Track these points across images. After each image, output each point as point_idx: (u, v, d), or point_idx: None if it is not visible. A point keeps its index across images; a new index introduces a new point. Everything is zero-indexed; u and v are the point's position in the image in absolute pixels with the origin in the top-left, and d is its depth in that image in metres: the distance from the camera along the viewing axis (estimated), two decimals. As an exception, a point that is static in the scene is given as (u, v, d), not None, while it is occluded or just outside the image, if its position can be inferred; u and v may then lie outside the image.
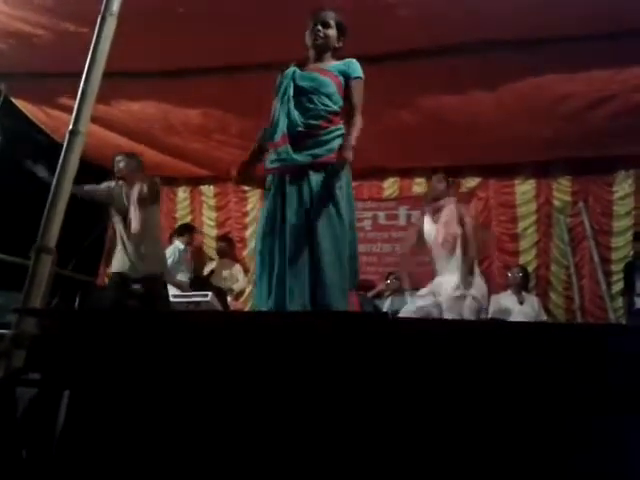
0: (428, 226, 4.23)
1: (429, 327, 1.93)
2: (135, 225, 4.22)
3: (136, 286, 4.31)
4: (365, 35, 3.24)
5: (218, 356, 1.85)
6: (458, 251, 4.06)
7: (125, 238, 4.35)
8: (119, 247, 4.42)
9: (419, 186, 6.55)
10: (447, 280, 4.05)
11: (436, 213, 4.20)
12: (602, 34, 3.77)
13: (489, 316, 5.21)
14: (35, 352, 1.98)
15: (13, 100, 5.20)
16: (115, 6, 2.29)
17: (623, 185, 5.77)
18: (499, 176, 6.20)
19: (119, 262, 4.38)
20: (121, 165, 4.37)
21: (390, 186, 6.68)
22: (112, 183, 4.49)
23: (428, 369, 1.65)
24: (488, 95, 4.53)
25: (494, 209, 6.21)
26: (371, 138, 4.69)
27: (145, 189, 4.29)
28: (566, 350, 1.62)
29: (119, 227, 4.41)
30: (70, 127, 2.20)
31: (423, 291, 4.34)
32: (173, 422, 1.79)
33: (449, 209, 4.15)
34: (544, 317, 5.42)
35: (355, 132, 2.58)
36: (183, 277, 6.10)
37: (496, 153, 5.68)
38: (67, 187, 2.17)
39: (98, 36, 2.26)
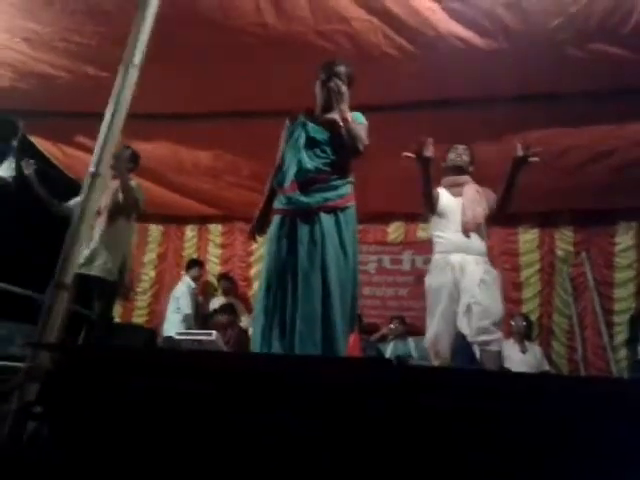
0: (446, 199, 3.62)
1: (433, 374, 1.98)
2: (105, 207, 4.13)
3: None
4: (371, 85, 3.37)
5: (225, 398, 1.90)
6: (483, 233, 3.53)
7: (95, 236, 4.13)
8: (82, 246, 4.21)
9: (424, 231, 6.62)
10: (468, 260, 3.42)
11: (455, 187, 3.64)
12: (603, 91, 3.91)
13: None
14: (48, 386, 2.03)
15: (30, 137, 5.36)
16: (138, 58, 2.42)
17: (625, 237, 5.85)
18: (503, 224, 6.27)
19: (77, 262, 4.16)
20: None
21: (395, 230, 6.78)
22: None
23: (430, 417, 1.69)
24: (492, 146, 4.63)
25: (497, 257, 6.25)
26: (376, 183, 4.83)
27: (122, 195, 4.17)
28: (568, 402, 1.65)
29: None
30: (91, 169, 2.30)
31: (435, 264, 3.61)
32: (176, 460, 1.83)
33: (473, 187, 3.61)
34: (547, 367, 5.43)
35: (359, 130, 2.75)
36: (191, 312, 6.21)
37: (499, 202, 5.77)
38: (87, 226, 2.26)
39: (120, 85, 2.37)
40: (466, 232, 3.46)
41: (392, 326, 5.88)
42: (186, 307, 6.26)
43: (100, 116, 3.48)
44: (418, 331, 5.96)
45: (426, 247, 6.50)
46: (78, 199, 4.27)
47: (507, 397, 1.69)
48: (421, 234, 6.63)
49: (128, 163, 4.32)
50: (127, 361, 2.15)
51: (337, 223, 2.63)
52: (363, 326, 5.71)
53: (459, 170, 3.67)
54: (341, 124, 2.71)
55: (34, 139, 5.42)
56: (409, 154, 3.44)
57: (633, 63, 3.57)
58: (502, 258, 6.24)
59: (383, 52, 3.68)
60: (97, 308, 4.16)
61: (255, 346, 2.64)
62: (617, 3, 3.21)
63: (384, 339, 5.95)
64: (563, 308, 5.93)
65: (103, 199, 4.11)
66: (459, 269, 3.39)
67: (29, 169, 4.31)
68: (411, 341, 5.76)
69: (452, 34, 3.51)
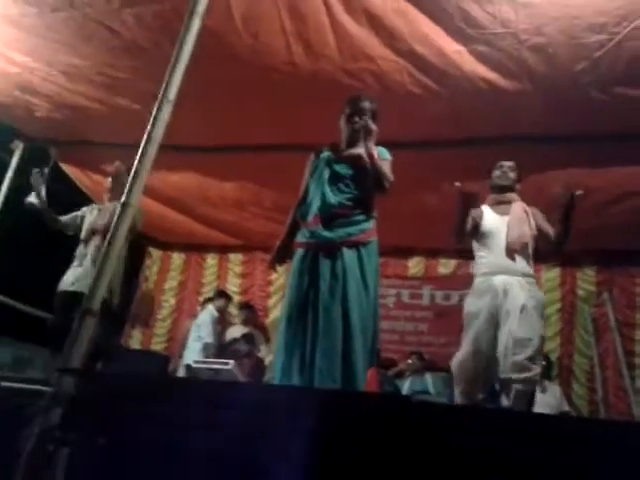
0: (491, 218, 3.47)
1: (448, 413, 1.98)
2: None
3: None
4: (396, 122, 3.43)
5: (241, 428, 1.92)
6: (528, 253, 3.37)
7: (89, 254, 4.11)
8: (75, 264, 4.18)
9: (444, 267, 6.65)
10: (512, 283, 3.23)
11: (501, 205, 3.51)
12: (627, 132, 3.93)
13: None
14: (72, 411, 2.07)
15: (62, 165, 5.51)
16: (172, 94, 2.49)
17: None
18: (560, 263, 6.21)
19: (69, 279, 4.11)
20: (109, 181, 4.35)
21: (415, 265, 6.79)
22: (84, 209, 4.44)
23: (445, 456, 1.69)
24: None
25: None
26: (398, 218, 4.87)
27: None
28: (587, 446, 1.64)
29: (81, 247, 4.22)
30: (123, 199, 2.36)
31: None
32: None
33: (520, 205, 3.47)
34: (566, 407, 5.34)
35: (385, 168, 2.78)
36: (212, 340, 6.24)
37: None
38: (115, 254, 2.31)
39: (154, 120, 2.45)
40: (511, 253, 3.29)
41: (410, 361, 5.83)
42: (207, 335, 6.30)
43: (129, 146, 3.59)
44: (436, 367, 5.95)
45: (446, 283, 6.58)
46: (74, 214, 4.38)
47: (523, 438, 1.69)
48: (441, 270, 6.64)
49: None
50: (144, 389, 2.19)
51: (359, 258, 2.66)
52: (380, 360, 5.68)
53: (505, 188, 3.56)
54: (367, 160, 2.75)
55: (65, 166, 5.57)
56: (459, 184, 3.43)
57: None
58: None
59: (408, 91, 3.76)
60: None
61: (276, 379, 2.65)
62: (642, 48, 3.25)
63: (401, 374, 5.90)
64: (584, 348, 5.85)
65: (100, 219, 4.18)
66: (502, 292, 3.23)
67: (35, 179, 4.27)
68: (429, 377, 5.71)
69: (477, 75, 3.57)
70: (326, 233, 2.71)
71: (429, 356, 6.02)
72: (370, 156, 2.74)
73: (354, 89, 3.56)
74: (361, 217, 2.76)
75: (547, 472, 1.60)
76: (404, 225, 5.27)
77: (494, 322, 3.22)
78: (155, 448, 1.98)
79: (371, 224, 2.80)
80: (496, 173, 3.60)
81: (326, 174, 2.83)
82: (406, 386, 5.62)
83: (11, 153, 5.17)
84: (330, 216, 2.73)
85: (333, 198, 2.75)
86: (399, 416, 1.80)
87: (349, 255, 2.66)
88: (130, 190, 2.39)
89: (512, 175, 3.58)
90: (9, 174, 5.12)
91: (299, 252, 2.79)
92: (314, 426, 1.78)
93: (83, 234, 4.27)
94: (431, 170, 4.61)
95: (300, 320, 2.64)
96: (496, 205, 3.53)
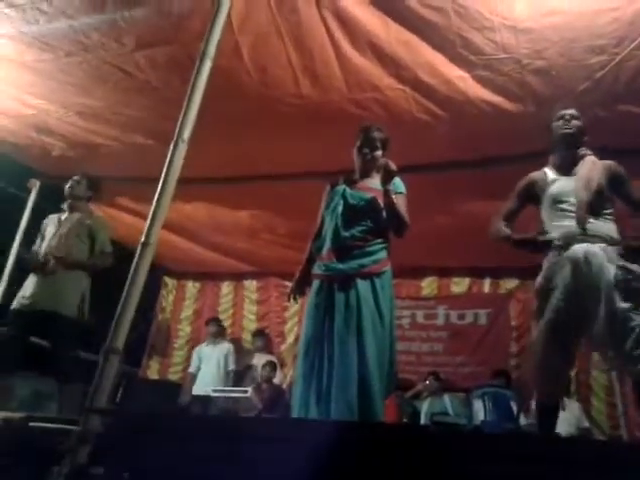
0: (557, 181, 2.91)
1: (466, 441, 2.00)
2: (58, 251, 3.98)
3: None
4: (404, 147, 3.49)
5: (263, 462, 1.95)
6: (608, 213, 2.79)
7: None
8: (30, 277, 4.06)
9: (457, 286, 6.67)
10: (594, 252, 2.62)
11: (568, 164, 2.93)
12: (631, 148, 3.95)
13: (528, 421, 5.14)
14: (99, 449, 2.12)
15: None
16: (187, 133, 2.58)
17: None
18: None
19: (20, 295, 4.01)
20: (67, 190, 4.23)
21: (428, 285, 6.81)
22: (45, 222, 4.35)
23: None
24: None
25: (533, 311, 6.21)
26: (410, 239, 4.92)
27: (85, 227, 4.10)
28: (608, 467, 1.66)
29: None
30: (142, 239, 2.44)
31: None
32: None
33: (589, 160, 2.91)
34: (586, 424, 5.30)
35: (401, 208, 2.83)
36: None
37: (534, 256, 5.79)
38: (137, 294, 2.38)
39: (170, 160, 2.54)
40: (582, 217, 2.71)
41: (427, 382, 5.84)
42: (232, 364, 6.42)
43: (143, 180, 3.68)
44: (454, 387, 5.94)
45: (460, 302, 6.60)
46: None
47: (544, 460, 1.71)
48: (454, 289, 6.66)
49: (87, 192, 4.30)
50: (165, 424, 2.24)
51: (373, 288, 2.71)
52: (398, 382, 5.69)
53: (570, 141, 2.96)
54: (386, 204, 2.84)
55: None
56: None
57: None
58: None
59: (414, 117, 3.82)
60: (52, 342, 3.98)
61: (294, 410, 2.69)
62: (642, 67, 3.31)
63: (419, 396, 5.90)
64: (601, 363, 5.81)
65: (62, 228, 4.13)
66: (584, 264, 2.60)
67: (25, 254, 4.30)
68: (447, 397, 5.70)
69: (481, 99, 3.63)
70: (340, 265, 2.77)
71: (446, 376, 6.02)
72: (390, 204, 2.82)
73: (361, 118, 3.63)
74: (374, 248, 2.82)
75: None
76: (416, 246, 5.30)
77: (575, 302, 2.63)
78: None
79: (384, 254, 2.86)
80: (557, 124, 3.00)
81: (340, 207, 2.89)
82: (425, 408, 5.62)
83: (29, 192, 5.29)
84: (343, 248, 2.79)
85: (346, 231, 2.81)
86: (419, 445, 1.84)
87: (363, 286, 2.71)
88: (149, 230, 2.47)
89: (576, 122, 2.98)
90: (27, 212, 5.23)
91: (315, 284, 2.85)
92: (325, 458, 1.81)
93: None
94: (441, 191, 4.66)
95: (317, 352, 2.69)
96: (561, 166, 2.95)
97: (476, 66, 3.45)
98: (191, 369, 6.63)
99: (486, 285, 6.60)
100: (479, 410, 5.23)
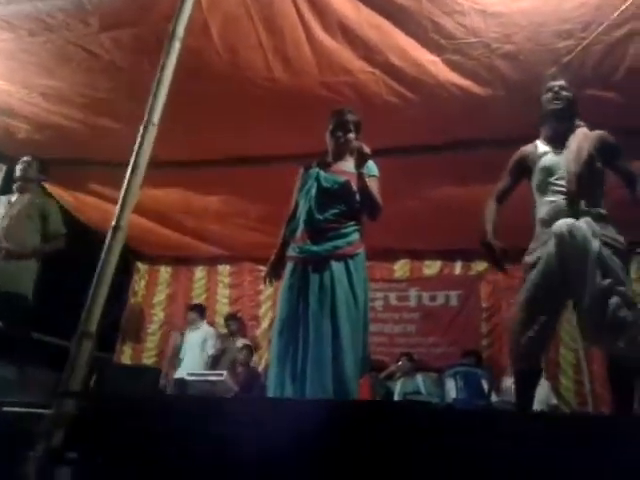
0: (547, 154, 2.83)
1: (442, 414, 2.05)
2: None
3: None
4: (374, 130, 3.53)
5: (237, 441, 1.97)
6: (597, 188, 2.73)
7: None
8: None
9: (429, 268, 6.76)
10: (579, 226, 2.58)
11: (559, 138, 2.83)
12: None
13: (499, 398, 5.27)
14: (73, 432, 2.12)
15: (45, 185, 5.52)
16: (156, 117, 2.56)
17: (632, 269, 5.84)
18: (508, 260, 6.32)
19: None
20: (18, 172, 4.21)
21: (401, 268, 6.88)
22: None
23: (442, 457, 1.75)
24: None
25: (502, 292, 6.33)
26: (382, 221, 4.96)
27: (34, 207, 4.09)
28: (574, 440, 1.71)
29: None
30: (113, 223, 2.42)
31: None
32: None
33: (580, 133, 2.82)
34: (554, 401, 5.45)
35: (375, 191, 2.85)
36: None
37: (504, 238, 5.88)
38: (109, 277, 2.37)
39: (140, 143, 2.51)
40: (572, 192, 2.66)
41: (400, 363, 5.92)
42: (211, 349, 6.41)
43: (111, 164, 3.62)
44: (426, 367, 6.04)
45: (431, 284, 6.69)
46: None
47: (511, 435, 1.76)
48: (426, 271, 6.74)
49: (38, 174, 4.31)
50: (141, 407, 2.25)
51: (347, 270, 2.73)
52: (371, 363, 5.75)
53: (560, 114, 2.87)
54: (359, 186, 2.85)
55: (47, 185, 5.57)
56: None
57: (626, 106, 3.71)
58: (507, 293, 6.31)
59: (384, 100, 3.84)
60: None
61: (270, 391, 2.72)
62: (608, 52, 3.37)
63: (392, 376, 5.99)
64: (570, 341, 5.95)
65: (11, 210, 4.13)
66: (568, 238, 2.57)
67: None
68: (419, 377, 5.80)
69: (451, 83, 3.66)
70: (314, 247, 2.78)
71: (418, 357, 6.11)
72: (364, 187, 2.84)
73: (332, 101, 3.64)
74: (348, 230, 2.84)
75: (546, 471, 1.66)
76: (388, 229, 5.34)
77: (557, 279, 2.61)
78: (156, 465, 2.04)
79: (357, 236, 2.87)
80: (546, 97, 2.91)
81: (313, 190, 2.89)
82: (398, 388, 5.71)
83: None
84: (317, 231, 2.81)
85: (320, 214, 2.82)
86: (393, 421, 1.88)
87: (337, 268, 2.73)
88: (120, 213, 2.45)
89: (566, 93, 2.88)
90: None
91: (289, 266, 2.87)
92: (305, 435, 1.84)
93: None
94: (412, 174, 4.70)
95: (291, 332, 2.71)
96: (552, 139, 2.86)
97: (446, 50, 3.48)
98: (173, 353, 6.63)
99: (457, 267, 6.69)
100: (451, 389, 5.33)
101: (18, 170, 4.22)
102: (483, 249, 2.95)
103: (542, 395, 5.30)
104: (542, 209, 2.79)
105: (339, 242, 2.79)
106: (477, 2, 3.20)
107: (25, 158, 4.25)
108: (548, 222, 2.71)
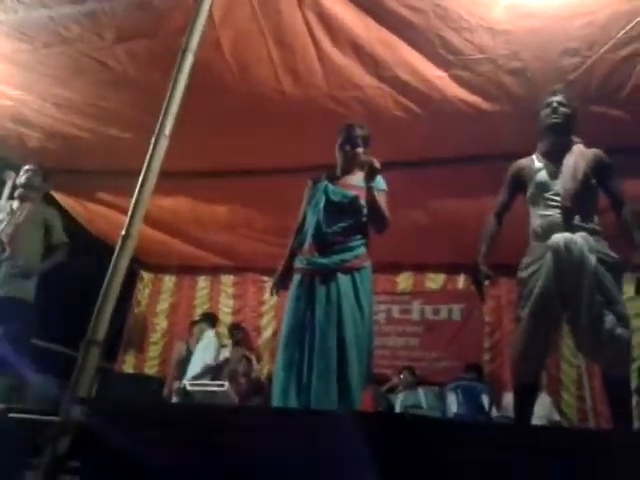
0: (544, 169, 2.83)
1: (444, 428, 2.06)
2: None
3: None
4: (382, 144, 3.57)
5: (241, 450, 1.99)
6: (592, 204, 2.76)
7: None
8: None
9: (432, 281, 6.76)
10: (575, 240, 2.59)
11: (555, 153, 2.84)
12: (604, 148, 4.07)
13: (499, 414, 5.25)
14: (79, 439, 2.13)
15: (54, 194, 5.56)
16: (168, 129, 2.60)
17: (629, 287, 5.84)
18: (510, 275, 6.31)
19: None
20: (23, 179, 4.18)
21: (404, 280, 6.87)
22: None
23: (444, 471, 1.77)
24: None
25: (505, 307, 6.33)
26: (386, 234, 5.01)
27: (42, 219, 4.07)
28: (574, 454, 1.72)
29: None
30: (123, 231, 2.45)
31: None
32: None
33: (577, 149, 2.82)
34: (556, 417, 5.43)
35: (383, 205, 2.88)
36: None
37: (506, 253, 5.89)
38: (117, 285, 2.40)
39: (152, 154, 2.55)
40: (567, 207, 2.67)
41: (402, 376, 5.91)
42: (210, 358, 6.39)
43: (121, 174, 3.64)
44: (428, 381, 6.03)
45: (435, 297, 6.68)
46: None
47: (513, 449, 1.77)
48: (430, 284, 6.75)
49: (42, 184, 4.30)
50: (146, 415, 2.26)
51: (353, 283, 2.76)
52: (374, 376, 5.75)
53: (558, 130, 2.87)
54: (368, 200, 2.90)
55: (57, 195, 5.62)
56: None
57: (631, 124, 3.74)
58: (510, 308, 6.30)
59: (392, 114, 3.88)
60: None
61: (274, 400, 2.73)
62: (615, 70, 3.40)
63: (394, 389, 5.98)
64: (571, 357, 5.94)
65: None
66: (565, 252, 2.57)
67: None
68: (421, 391, 5.79)
69: (458, 98, 3.70)
70: (321, 260, 2.81)
71: (421, 371, 6.11)
72: (373, 201, 2.87)
73: (341, 115, 3.68)
74: (355, 243, 2.87)
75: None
76: (392, 242, 5.37)
77: (553, 291, 2.62)
78: (162, 472, 2.05)
79: (364, 249, 2.91)
80: (545, 112, 2.91)
81: (322, 202, 2.93)
82: (399, 401, 5.70)
83: (3, 183, 5.23)
84: (325, 244, 2.84)
85: (328, 227, 2.86)
86: (395, 433, 1.89)
87: (344, 280, 2.76)
88: (131, 222, 2.48)
89: (564, 110, 2.87)
90: (2, 203, 5.16)
91: (296, 277, 2.89)
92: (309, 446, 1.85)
93: None
94: (418, 188, 4.73)
95: (297, 343, 2.73)
96: (549, 153, 2.87)
97: (454, 66, 3.52)
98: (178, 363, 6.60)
99: (460, 281, 6.68)
100: (452, 403, 5.33)
101: (22, 178, 4.21)
102: (471, 271, 2.99)
103: (544, 411, 5.30)
104: (535, 221, 2.82)
105: (346, 255, 2.81)
106: (485, 20, 3.24)
107: (30, 166, 4.24)
108: (542, 236, 2.72)
